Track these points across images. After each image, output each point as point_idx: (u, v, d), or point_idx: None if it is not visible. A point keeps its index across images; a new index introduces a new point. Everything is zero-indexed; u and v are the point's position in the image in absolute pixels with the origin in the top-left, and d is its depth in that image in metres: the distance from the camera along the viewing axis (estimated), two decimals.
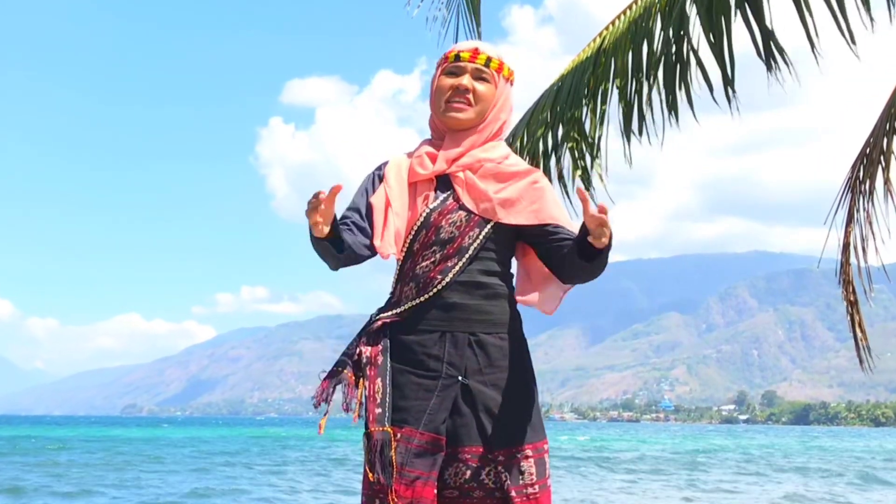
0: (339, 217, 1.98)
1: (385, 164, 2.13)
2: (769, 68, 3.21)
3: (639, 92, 3.68)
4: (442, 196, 2.05)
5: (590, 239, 1.92)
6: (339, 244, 1.96)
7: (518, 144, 4.12)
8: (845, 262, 4.31)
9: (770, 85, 3.20)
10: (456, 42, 4.02)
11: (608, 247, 1.94)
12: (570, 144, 3.98)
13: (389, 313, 2.03)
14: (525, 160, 3.78)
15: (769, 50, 3.22)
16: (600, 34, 3.99)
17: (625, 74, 3.70)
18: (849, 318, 4.37)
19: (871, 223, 4.21)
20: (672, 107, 3.54)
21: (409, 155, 2.13)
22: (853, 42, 3.11)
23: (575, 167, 3.97)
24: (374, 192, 2.07)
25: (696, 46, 3.43)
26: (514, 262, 2.16)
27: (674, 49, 3.50)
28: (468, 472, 1.97)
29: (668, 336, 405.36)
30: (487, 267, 2.03)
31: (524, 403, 2.02)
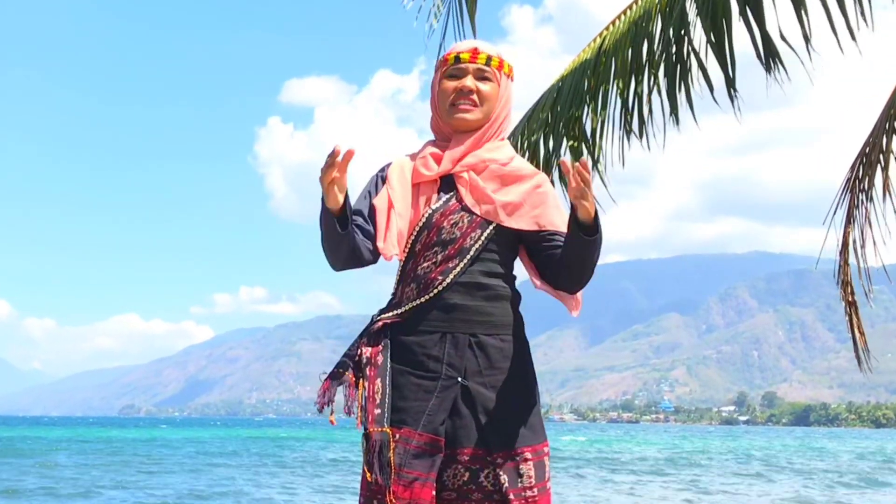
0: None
1: (388, 165, 2.13)
2: (769, 70, 3.21)
3: (639, 92, 3.67)
4: (445, 197, 2.06)
5: (575, 206, 1.92)
6: (345, 222, 1.94)
7: (518, 144, 4.10)
8: (844, 263, 4.31)
9: (770, 86, 3.20)
10: (445, 37, 4.10)
11: (598, 233, 1.95)
12: (570, 143, 3.97)
13: (390, 314, 2.03)
14: (529, 162, 3.72)
15: (769, 51, 3.21)
16: (600, 34, 3.98)
17: (625, 75, 3.69)
18: (847, 318, 4.37)
19: (870, 223, 4.21)
20: (673, 108, 3.53)
21: (413, 156, 2.12)
22: (853, 39, 3.10)
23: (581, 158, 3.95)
24: (376, 194, 2.07)
25: (696, 47, 3.42)
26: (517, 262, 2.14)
27: (674, 50, 3.50)
28: (467, 474, 1.96)
29: (668, 337, 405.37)
30: (489, 268, 2.03)
31: (524, 406, 2.01)
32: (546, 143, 4.07)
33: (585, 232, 1.94)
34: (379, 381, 1.97)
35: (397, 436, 1.93)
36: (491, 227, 2.03)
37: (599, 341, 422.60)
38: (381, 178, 2.11)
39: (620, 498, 15.77)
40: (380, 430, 1.92)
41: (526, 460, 1.97)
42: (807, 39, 3.13)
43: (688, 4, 3.43)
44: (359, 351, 2.02)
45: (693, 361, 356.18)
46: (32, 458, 25.74)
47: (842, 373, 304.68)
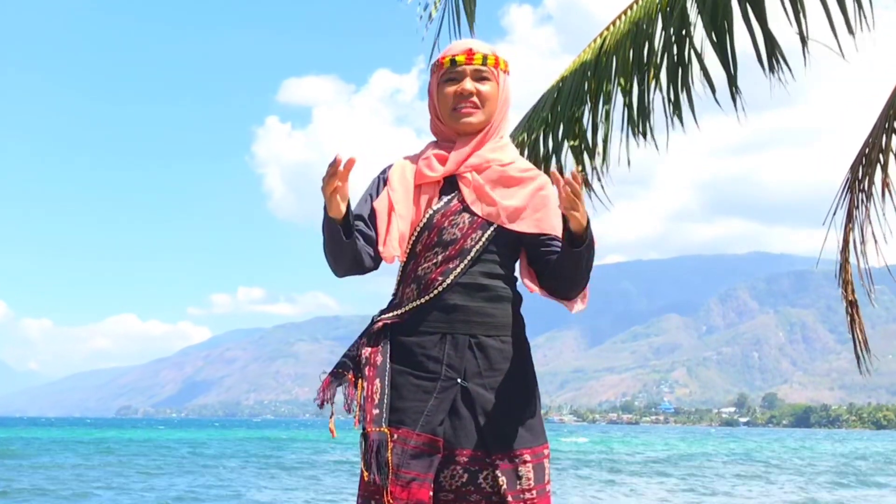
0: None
1: (389, 167, 2.13)
2: (771, 69, 3.21)
3: (641, 93, 3.67)
4: (446, 198, 2.05)
5: (567, 217, 1.92)
6: (348, 230, 1.95)
7: (519, 144, 4.09)
8: (844, 263, 4.30)
9: (772, 86, 3.20)
10: (440, 35, 4.08)
11: (590, 236, 1.95)
12: (571, 143, 3.97)
13: (390, 314, 2.02)
14: (529, 162, 3.76)
15: (771, 51, 3.22)
16: (601, 35, 3.99)
17: (626, 75, 3.69)
18: (848, 319, 4.35)
19: (870, 223, 4.20)
20: (675, 108, 3.54)
21: (415, 158, 2.12)
22: (852, 35, 3.12)
23: (577, 164, 3.95)
24: (377, 196, 2.07)
25: (697, 47, 3.43)
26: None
27: (675, 50, 3.51)
28: (465, 476, 1.95)
29: (668, 338, 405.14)
30: (490, 269, 2.02)
31: (524, 407, 2.01)
32: (546, 143, 4.06)
33: (576, 242, 1.95)
34: (378, 381, 1.97)
35: (395, 436, 1.92)
36: (492, 229, 2.02)
37: (599, 342, 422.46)
38: (382, 181, 2.11)
39: (622, 500, 15.74)
40: (378, 429, 1.92)
41: (525, 462, 1.96)
42: (803, 41, 3.14)
43: (688, 4, 3.43)
44: (358, 351, 2.02)
45: (693, 363, 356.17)
46: (28, 459, 25.70)
47: (842, 374, 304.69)
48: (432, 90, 2.10)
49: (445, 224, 2.02)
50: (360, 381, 1.99)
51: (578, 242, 1.95)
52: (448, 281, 1.98)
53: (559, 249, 2.02)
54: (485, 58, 2.06)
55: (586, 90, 3.90)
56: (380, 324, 2.02)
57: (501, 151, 2.09)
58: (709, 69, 3.43)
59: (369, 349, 2.00)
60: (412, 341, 1.99)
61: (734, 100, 3.32)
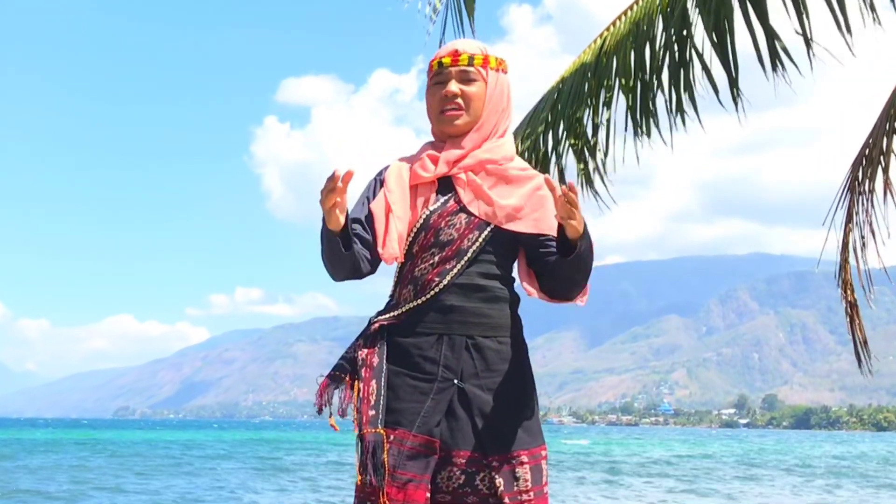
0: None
1: (385, 168, 2.12)
2: (773, 69, 3.22)
3: (642, 93, 3.68)
4: (443, 198, 2.04)
5: (563, 225, 1.92)
6: (347, 241, 1.94)
7: (519, 145, 4.09)
8: (844, 264, 4.30)
9: (775, 86, 3.20)
10: (444, 35, 4.12)
11: (586, 242, 1.94)
12: (571, 141, 3.98)
13: (387, 315, 2.01)
14: (530, 162, 3.95)
15: (773, 51, 3.22)
16: (601, 35, 3.99)
17: (627, 76, 3.69)
18: (848, 319, 4.36)
19: (871, 224, 4.20)
20: (678, 108, 3.55)
21: (411, 158, 2.11)
22: (851, 34, 3.14)
23: (578, 165, 3.97)
24: (374, 198, 2.05)
25: (699, 48, 3.44)
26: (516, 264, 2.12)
27: (676, 50, 3.51)
28: (462, 478, 1.95)
29: (668, 339, 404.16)
30: (487, 270, 2.01)
31: (521, 408, 1.99)
32: (546, 143, 4.07)
33: (570, 251, 1.94)
34: (374, 382, 1.96)
35: (391, 437, 1.92)
36: (489, 229, 2.01)
37: (598, 343, 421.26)
38: (378, 182, 2.10)
39: (623, 502, 15.54)
40: (374, 431, 1.92)
41: (522, 464, 1.95)
42: (807, 42, 3.15)
43: (689, 5, 3.42)
44: (355, 353, 2.02)
45: (693, 364, 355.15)
46: (25, 460, 25.43)
47: (843, 375, 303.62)
48: (426, 94, 2.11)
49: (442, 225, 2.01)
50: (356, 382, 1.98)
51: (574, 250, 1.94)
52: (445, 282, 1.97)
53: (556, 257, 2.01)
54: (470, 58, 2.04)
55: (587, 91, 3.90)
56: (376, 325, 2.01)
57: (498, 150, 2.07)
58: (709, 69, 3.43)
59: (366, 350, 2.00)
60: (409, 342, 1.98)
61: (735, 100, 3.33)
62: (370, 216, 2.03)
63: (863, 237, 4.23)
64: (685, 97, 3.53)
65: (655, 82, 3.61)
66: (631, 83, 3.70)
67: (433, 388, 1.94)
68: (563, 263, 1.97)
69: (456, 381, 1.95)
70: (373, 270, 2.04)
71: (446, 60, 2.05)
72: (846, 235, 4.26)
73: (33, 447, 35.15)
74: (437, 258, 1.99)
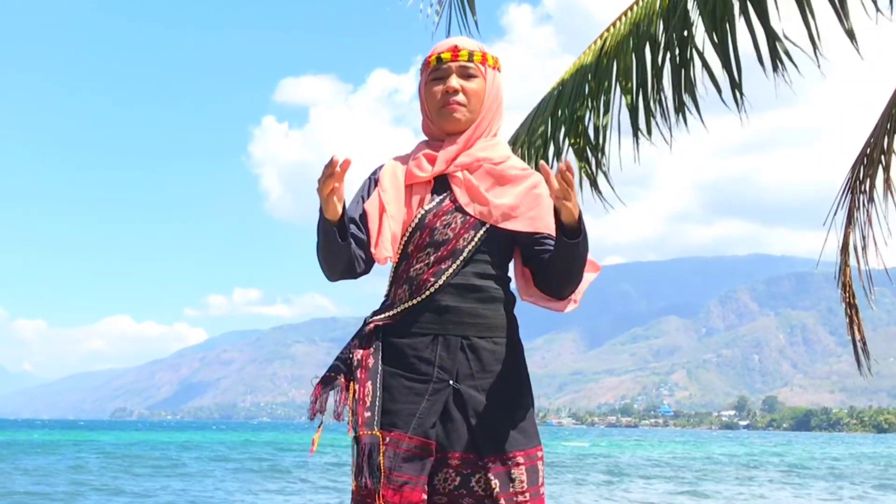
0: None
1: (380, 168, 2.10)
2: (775, 69, 3.22)
3: (642, 94, 3.69)
4: (438, 198, 2.02)
5: (558, 210, 1.91)
6: (344, 233, 1.93)
7: (521, 145, 4.13)
8: (845, 265, 4.30)
9: (776, 86, 3.21)
10: (449, 33, 4.12)
11: (583, 230, 1.93)
12: (571, 141, 3.99)
13: (382, 316, 2.00)
14: (530, 163, 3.99)
15: (774, 51, 3.22)
16: (601, 36, 4.00)
17: (628, 76, 3.71)
18: (847, 321, 4.36)
19: (871, 224, 4.19)
20: (679, 109, 3.56)
21: (406, 157, 2.09)
22: (854, 39, 3.13)
23: (579, 163, 3.99)
24: (368, 198, 2.04)
25: (700, 48, 3.44)
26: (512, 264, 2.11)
27: (677, 51, 3.51)
28: (458, 479, 1.93)
29: (668, 340, 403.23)
30: (482, 270, 1.99)
31: (516, 409, 1.98)
32: (547, 144, 4.08)
33: (569, 234, 1.93)
34: (369, 383, 1.95)
35: (387, 439, 1.90)
36: (484, 229, 1.99)
37: (598, 344, 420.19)
38: (372, 182, 2.08)
39: None
40: (369, 433, 1.90)
41: (518, 465, 1.94)
42: (813, 43, 3.15)
43: (690, 5, 3.42)
44: (350, 353, 2.00)
45: (693, 365, 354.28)
46: (21, 461, 25.36)
47: (843, 377, 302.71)
48: (421, 90, 2.08)
49: (437, 224, 1.99)
50: (352, 384, 1.97)
51: (572, 234, 1.93)
52: (440, 282, 1.95)
53: (553, 247, 1.99)
54: (470, 54, 2.03)
55: (587, 91, 3.91)
56: (371, 325, 2.00)
57: (493, 149, 2.06)
58: (711, 70, 3.43)
59: (361, 351, 1.98)
60: (404, 343, 1.97)
61: (737, 101, 3.33)
62: (364, 216, 2.01)
63: (863, 238, 4.22)
64: (686, 98, 3.53)
65: (656, 83, 3.61)
66: (631, 84, 3.71)
67: (428, 390, 1.93)
68: (559, 252, 1.94)
69: (451, 382, 1.94)
70: (367, 270, 2.03)
71: (446, 56, 2.03)
72: (846, 236, 4.25)
73: (30, 448, 34.95)
74: (432, 258, 1.97)
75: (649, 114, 3.68)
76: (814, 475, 25.28)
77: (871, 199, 4.15)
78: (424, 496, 1.90)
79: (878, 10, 3.16)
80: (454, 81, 2.01)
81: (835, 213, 4.20)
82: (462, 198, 2.01)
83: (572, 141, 3.97)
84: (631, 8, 3.86)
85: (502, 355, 1.98)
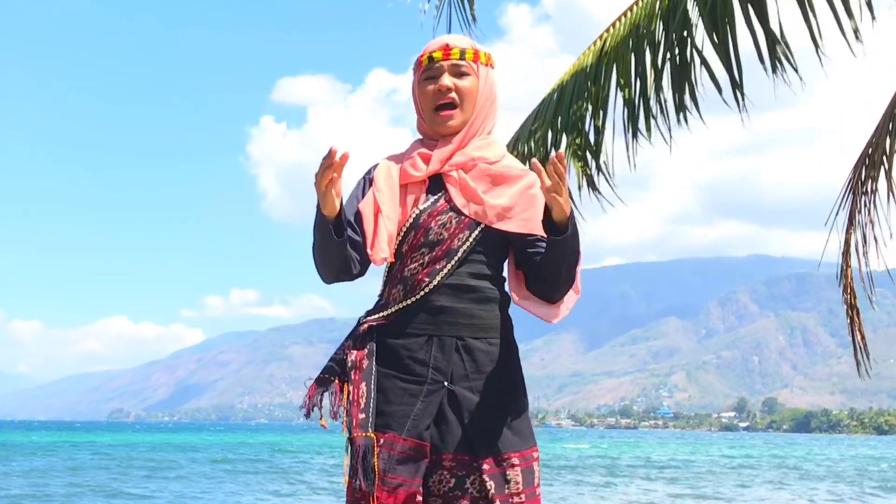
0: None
1: (374, 167, 2.08)
2: (774, 70, 3.22)
3: (642, 95, 3.69)
4: (433, 197, 2.01)
5: (549, 202, 1.89)
6: (341, 229, 1.92)
7: (519, 147, 4.14)
8: (846, 266, 4.29)
9: (775, 86, 3.21)
10: (450, 31, 4.14)
11: (573, 228, 1.92)
12: (571, 142, 4.00)
13: (376, 316, 1.99)
14: (526, 164, 4.02)
15: (773, 51, 3.22)
16: (600, 37, 4.00)
17: (627, 77, 3.71)
18: (849, 323, 4.36)
19: (873, 226, 4.19)
20: (679, 109, 3.57)
21: (400, 156, 2.08)
22: (858, 40, 3.13)
23: (577, 165, 4.00)
24: (363, 198, 2.02)
25: (700, 48, 3.44)
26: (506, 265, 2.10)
27: (677, 52, 3.51)
28: (453, 481, 1.92)
29: (667, 341, 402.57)
30: (477, 270, 1.98)
31: (511, 410, 1.97)
32: (546, 145, 4.08)
33: (559, 231, 1.92)
34: (364, 384, 1.93)
35: (381, 440, 1.89)
36: (479, 229, 1.97)
37: (597, 346, 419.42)
38: (367, 182, 2.07)
39: None
40: (364, 434, 1.89)
41: (513, 466, 1.93)
42: (816, 44, 3.16)
43: (689, 5, 3.42)
44: (345, 354, 1.99)
45: (692, 366, 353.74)
46: (17, 463, 25.32)
47: (843, 378, 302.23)
48: (414, 89, 2.07)
49: (432, 224, 1.98)
50: (346, 385, 1.96)
51: (562, 230, 1.91)
52: (435, 282, 1.94)
53: (544, 249, 1.98)
54: (462, 52, 2.01)
55: (587, 92, 3.91)
56: (365, 326, 1.99)
57: (488, 149, 2.04)
58: (712, 70, 3.44)
59: (355, 352, 1.97)
60: (398, 343, 1.95)
61: (738, 101, 3.33)
62: (359, 217, 1.99)
63: (864, 239, 4.21)
64: (686, 98, 3.53)
65: (656, 83, 3.61)
66: (631, 85, 3.70)
67: (423, 391, 1.92)
68: (549, 249, 1.94)
69: (446, 384, 1.93)
70: (363, 272, 2.02)
71: (437, 54, 2.01)
72: (848, 237, 4.24)
73: (26, 450, 34.93)
74: (426, 258, 1.96)
75: (649, 114, 3.67)
76: (814, 477, 25.30)
77: (872, 200, 4.14)
78: (419, 498, 1.89)
79: (872, 17, 3.16)
80: (447, 80, 2.00)
81: (836, 214, 4.19)
82: (457, 198, 1.99)
83: (572, 142, 3.97)
84: (630, 8, 3.86)
85: (497, 356, 1.97)
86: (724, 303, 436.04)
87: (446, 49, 2.01)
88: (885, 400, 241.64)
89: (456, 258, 1.95)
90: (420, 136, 2.10)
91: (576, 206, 3.96)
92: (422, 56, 2.04)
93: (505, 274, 2.06)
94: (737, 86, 3.31)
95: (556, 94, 4.09)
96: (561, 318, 2.05)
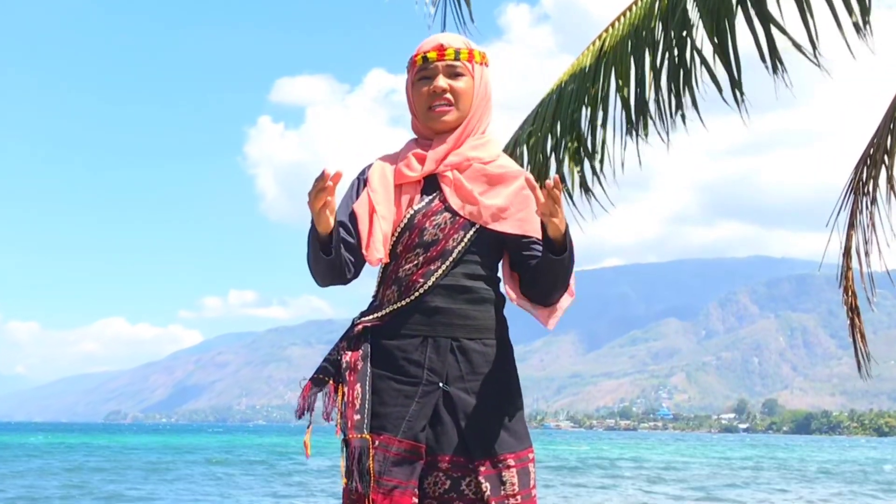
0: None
1: (368, 167, 2.08)
2: (775, 70, 3.21)
3: (641, 95, 3.68)
4: (428, 198, 2.00)
5: (545, 223, 1.89)
6: (334, 245, 1.91)
7: (518, 148, 4.14)
8: (847, 267, 4.28)
9: (776, 87, 3.20)
10: (444, 29, 4.06)
11: (568, 243, 1.92)
12: (570, 145, 3.99)
13: (371, 317, 1.98)
14: (526, 167, 4.03)
15: (774, 51, 3.21)
16: (599, 37, 3.99)
17: (626, 77, 3.70)
18: (849, 324, 4.35)
19: (874, 227, 4.17)
20: (677, 109, 3.56)
21: (395, 156, 2.07)
22: (860, 38, 3.12)
23: (574, 168, 4.00)
24: (357, 199, 2.01)
25: (699, 48, 3.44)
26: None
27: (676, 52, 3.51)
28: (448, 483, 1.91)
29: (667, 343, 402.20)
30: (472, 271, 1.97)
31: (507, 412, 1.96)
32: (545, 146, 4.07)
33: (554, 249, 1.92)
34: (359, 386, 1.93)
35: (377, 442, 1.89)
36: (474, 229, 1.97)
37: (597, 347, 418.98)
38: (361, 182, 2.06)
39: None
40: (359, 436, 1.89)
41: (509, 467, 1.92)
42: (813, 43, 3.14)
43: (689, 5, 3.41)
44: (339, 355, 1.98)
45: (692, 368, 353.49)
46: (14, 465, 25.19)
47: (844, 380, 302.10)
48: (408, 89, 2.06)
49: (427, 224, 1.97)
50: (340, 386, 1.96)
51: (558, 250, 1.92)
52: (429, 283, 1.94)
53: (541, 253, 1.97)
54: (457, 52, 2.00)
55: (586, 93, 3.91)
56: (360, 327, 1.98)
57: (483, 148, 2.03)
58: (712, 70, 3.42)
59: (350, 353, 1.96)
60: (393, 345, 1.95)
61: (738, 101, 3.32)
62: (354, 217, 1.99)
63: (866, 240, 4.19)
64: (686, 98, 3.52)
65: (655, 84, 3.60)
66: (630, 85, 3.70)
67: (418, 392, 1.91)
68: (544, 265, 1.94)
69: (441, 385, 1.92)
70: (357, 275, 2.01)
71: (432, 55, 2.00)
72: (849, 238, 4.22)
73: (23, 452, 34.76)
74: (421, 259, 1.95)
75: (648, 115, 3.66)
76: (815, 478, 25.31)
77: (874, 201, 4.12)
78: (415, 500, 1.89)
79: (867, 24, 3.15)
80: (441, 81, 1.99)
81: (837, 215, 4.17)
82: (452, 198, 1.98)
83: (571, 143, 3.95)
84: (630, 8, 3.84)
85: (492, 357, 1.97)
86: (723, 304, 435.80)
87: (441, 49, 1.99)
88: (886, 401, 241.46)
89: (451, 259, 1.94)
90: (415, 136, 2.09)
91: (575, 207, 3.99)
92: (416, 56, 2.03)
93: (500, 275, 2.06)
94: (737, 85, 3.29)
95: (555, 95, 4.07)
96: (556, 322, 2.05)
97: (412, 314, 1.94)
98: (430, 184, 2.01)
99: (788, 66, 3.19)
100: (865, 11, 3.13)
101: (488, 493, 1.89)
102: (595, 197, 3.98)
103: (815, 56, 3.12)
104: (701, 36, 3.38)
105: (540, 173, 3.97)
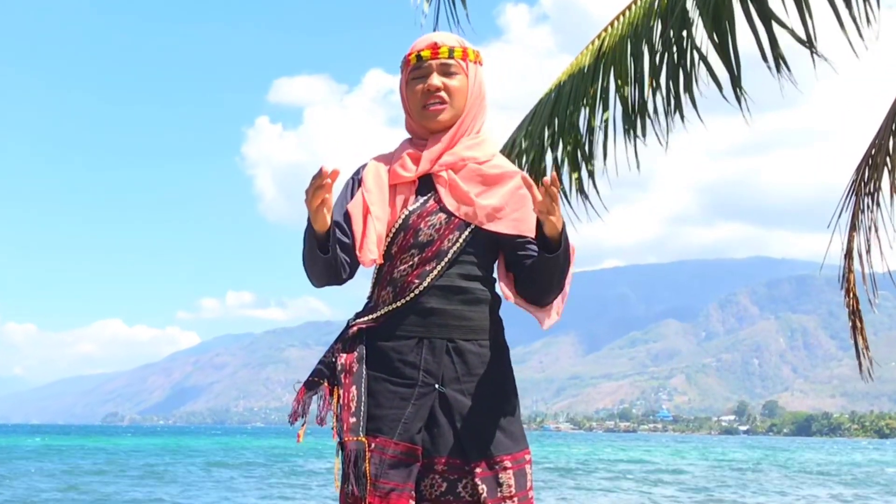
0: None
1: (363, 167, 2.06)
2: (778, 69, 3.20)
3: (640, 95, 3.67)
4: (423, 198, 1.99)
5: (541, 221, 1.89)
6: (330, 243, 1.90)
7: (517, 147, 4.13)
8: (848, 269, 4.27)
9: (780, 87, 3.20)
10: (436, 28, 4.00)
11: (565, 242, 1.91)
12: (569, 145, 3.98)
13: (365, 318, 1.96)
14: (524, 167, 4.01)
15: (775, 48, 3.21)
16: (598, 36, 3.98)
17: (625, 77, 3.69)
18: (851, 325, 4.34)
19: (875, 228, 4.16)
20: (677, 109, 3.55)
21: (389, 156, 2.06)
22: (861, 37, 3.12)
23: (573, 169, 3.99)
24: (352, 199, 2.00)
25: (699, 47, 3.43)
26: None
27: (675, 51, 3.49)
28: (444, 485, 1.90)
29: (667, 344, 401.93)
30: (467, 271, 1.96)
31: (503, 413, 1.95)
32: (544, 146, 4.06)
33: (551, 248, 1.91)
34: (354, 388, 1.91)
35: (373, 445, 1.88)
36: (469, 229, 1.96)
37: (596, 348, 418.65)
38: (356, 182, 2.05)
39: None
40: (355, 439, 1.88)
41: (505, 469, 1.91)
42: (812, 43, 3.14)
43: (689, 5, 3.40)
44: (334, 357, 1.97)
45: (692, 369, 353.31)
46: (11, 467, 25.19)
47: (844, 381, 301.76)
48: (402, 88, 2.05)
49: (422, 225, 1.96)
50: (335, 388, 1.94)
51: (553, 248, 1.91)
52: (425, 284, 1.92)
53: (536, 253, 1.96)
54: (451, 50, 1.99)
55: (584, 92, 3.89)
56: (355, 328, 1.97)
57: (478, 148, 2.02)
58: (712, 70, 3.42)
59: (345, 355, 1.95)
60: (388, 346, 1.93)
61: (738, 101, 3.31)
62: (348, 218, 1.98)
63: (867, 241, 4.18)
64: (685, 98, 3.51)
65: (654, 83, 3.58)
66: (629, 84, 3.68)
67: (414, 394, 1.90)
68: (540, 264, 1.93)
69: (437, 386, 1.91)
70: (352, 275, 2.00)
71: (426, 53, 1.99)
72: (850, 240, 4.20)
73: (20, 454, 34.73)
74: (416, 259, 1.94)
75: (647, 115, 3.65)
76: (815, 480, 25.29)
77: (875, 203, 4.11)
78: (412, 503, 1.88)
79: (867, 25, 3.14)
80: (436, 79, 1.98)
81: (839, 216, 4.15)
82: (447, 198, 1.97)
83: (569, 146, 3.93)
84: (629, 7, 3.83)
85: (488, 358, 1.96)
86: (724, 305, 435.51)
87: (434, 48, 1.99)
88: (887, 403, 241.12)
89: (446, 259, 1.93)
90: (409, 136, 2.08)
91: (572, 209, 3.98)
92: (410, 54, 2.02)
93: (495, 275, 2.05)
94: (737, 85, 3.28)
95: (553, 94, 4.06)
96: (553, 322, 2.04)
97: (407, 315, 1.92)
98: (425, 184, 2.00)
99: (790, 65, 3.18)
100: (866, 11, 3.12)
101: (485, 494, 1.88)
102: (594, 198, 3.96)
103: (816, 54, 3.11)
104: (701, 34, 3.36)
105: (537, 173, 3.95)
